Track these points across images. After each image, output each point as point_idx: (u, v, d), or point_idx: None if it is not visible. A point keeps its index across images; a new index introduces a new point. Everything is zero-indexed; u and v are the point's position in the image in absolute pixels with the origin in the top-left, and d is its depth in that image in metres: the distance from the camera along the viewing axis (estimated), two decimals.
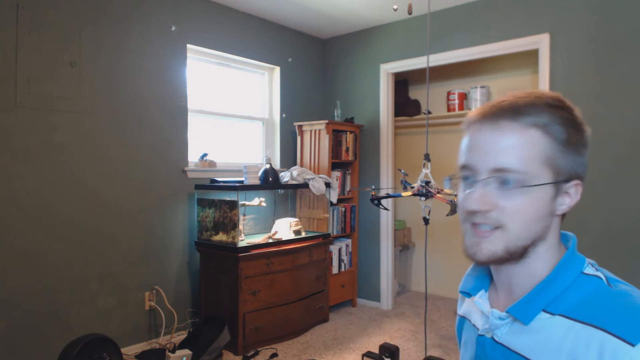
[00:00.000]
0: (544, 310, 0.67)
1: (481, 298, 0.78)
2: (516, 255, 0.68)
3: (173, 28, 3.40)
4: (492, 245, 0.68)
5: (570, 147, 0.68)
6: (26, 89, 2.68)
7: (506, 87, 4.33)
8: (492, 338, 0.74)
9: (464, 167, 0.71)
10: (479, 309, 0.79)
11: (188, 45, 3.51)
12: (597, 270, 0.70)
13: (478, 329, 0.78)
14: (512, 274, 0.72)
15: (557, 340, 0.64)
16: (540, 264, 0.70)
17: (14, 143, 2.66)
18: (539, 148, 0.66)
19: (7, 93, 2.62)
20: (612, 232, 3.03)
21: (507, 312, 0.70)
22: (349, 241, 4.35)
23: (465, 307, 0.88)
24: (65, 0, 2.84)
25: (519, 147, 0.66)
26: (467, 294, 0.82)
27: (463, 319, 0.89)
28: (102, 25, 3.02)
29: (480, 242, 0.69)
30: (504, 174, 0.66)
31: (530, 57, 3.75)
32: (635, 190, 2.96)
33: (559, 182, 0.68)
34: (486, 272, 0.82)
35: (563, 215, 0.72)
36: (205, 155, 3.66)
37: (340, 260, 4.24)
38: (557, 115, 0.67)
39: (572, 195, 0.70)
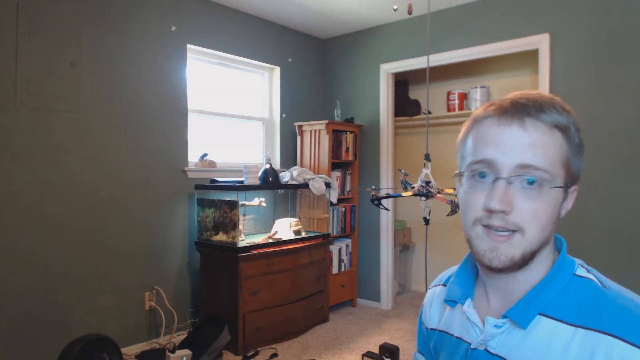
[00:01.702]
0: (542, 314, 0.66)
1: (469, 307, 0.75)
2: (527, 259, 0.67)
3: (173, 28, 3.40)
4: (510, 250, 0.65)
5: (579, 152, 0.69)
6: (26, 89, 2.68)
7: (506, 87, 4.33)
8: (487, 350, 0.70)
9: (481, 162, 0.67)
10: (465, 320, 0.75)
11: (188, 45, 3.51)
12: (588, 271, 0.70)
13: (468, 343, 0.74)
14: (512, 279, 0.69)
15: (561, 348, 0.62)
16: (540, 267, 0.69)
17: (14, 143, 2.66)
18: (561, 149, 0.66)
19: (7, 93, 2.62)
20: (612, 232, 3.03)
21: (504, 316, 0.68)
22: (349, 241, 4.35)
23: (445, 321, 0.83)
24: (65, 0, 2.84)
25: (545, 145, 0.64)
26: (454, 303, 0.78)
27: (441, 333, 0.83)
28: (102, 25, 3.02)
29: (498, 248, 0.65)
30: (530, 171, 0.63)
31: (530, 57, 3.75)
32: (635, 190, 2.96)
33: (569, 185, 0.68)
34: (471, 279, 0.79)
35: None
36: (205, 155, 3.66)
37: (340, 260, 4.24)
38: (572, 119, 0.68)
39: (569, 199, 0.70)
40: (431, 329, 0.87)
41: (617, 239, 3.02)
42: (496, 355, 0.69)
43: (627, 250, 2.98)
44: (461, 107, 4.45)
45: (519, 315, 0.66)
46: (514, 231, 0.64)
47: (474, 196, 0.67)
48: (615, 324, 0.60)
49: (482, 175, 0.67)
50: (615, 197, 3.03)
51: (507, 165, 0.64)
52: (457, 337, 0.78)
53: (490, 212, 0.65)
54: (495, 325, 0.69)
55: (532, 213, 0.64)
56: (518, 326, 0.67)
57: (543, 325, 0.65)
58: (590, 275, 0.68)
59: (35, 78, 2.72)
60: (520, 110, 0.65)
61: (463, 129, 0.74)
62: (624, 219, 2.99)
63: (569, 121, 0.67)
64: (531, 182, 0.64)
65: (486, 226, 0.66)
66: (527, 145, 0.64)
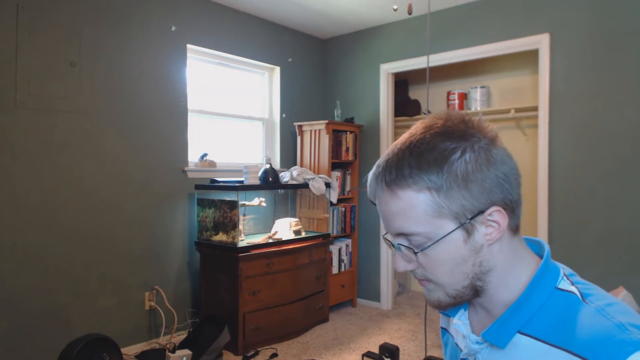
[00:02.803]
0: (520, 332, 0.65)
1: (460, 319, 0.76)
2: (464, 296, 0.68)
3: (173, 28, 3.40)
4: (434, 295, 0.69)
5: (466, 186, 0.62)
6: (26, 89, 2.68)
7: (506, 87, 4.33)
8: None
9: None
10: (459, 332, 0.77)
11: (188, 45, 3.51)
12: (572, 284, 0.67)
13: (461, 350, 0.76)
14: (484, 300, 0.70)
15: None
16: (505, 289, 0.68)
17: (14, 143, 2.66)
18: (430, 202, 0.63)
19: (7, 93, 2.62)
20: (612, 232, 3.03)
21: (481, 336, 0.68)
22: (349, 241, 4.35)
23: (445, 320, 0.87)
24: (65, 0, 2.84)
25: (402, 212, 0.64)
26: (447, 314, 0.81)
27: (446, 333, 0.87)
28: (102, 25, 3.02)
29: (427, 293, 0.71)
30: (406, 237, 0.66)
31: (530, 57, 3.75)
32: (635, 190, 2.96)
33: (465, 223, 0.64)
34: None
35: (517, 230, 0.69)
36: (205, 155, 3.66)
37: (340, 260, 4.24)
38: (429, 167, 0.62)
39: (496, 221, 0.64)
40: (441, 327, 0.90)
41: (616, 239, 3.01)
42: None
43: (627, 251, 2.97)
44: (461, 107, 4.45)
45: (495, 336, 0.67)
46: (429, 281, 0.69)
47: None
48: (587, 347, 0.58)
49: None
50: (615, 198, 3.02)
51: (391, 234, 0.69)
52: (455, 342, 0.81)
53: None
54: (476, 342, 0.71)
55: (431, 265, 0.67)
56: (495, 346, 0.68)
57: (522, 344, 0.65)
58: (572, 289, 0.66)
59: (35, 78, 2.72)
60: (377, 184, 0.67)
61: None
62: (623, 219, 2.99)
63: (421, 175, 0.63)
64: (415, 244, 0.66)
65: None
66: (392, 215, 0.66)
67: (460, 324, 0.75)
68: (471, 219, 0.64)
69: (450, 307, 0.70)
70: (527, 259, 0.69)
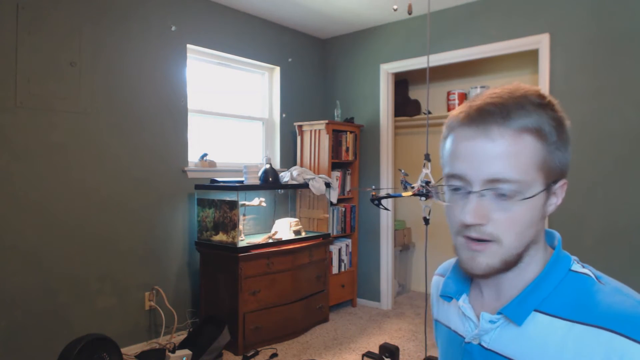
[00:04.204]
0: (536, 310, 0.66)
1: (464, 302, 0.75)
2: (512, 264, 0.67)
3: (173, 28, 3.40)
4: (489, 258, 0.66)
5: (560, 147, 0.65)
6: (26, 89, 2.68)
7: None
8: (480, 344, 0.71)
9: (453, 176, 0.67)
10: (460, 314, 0.76)
11: (188, 45, 3.51)
12: (583, 267, 0.69)
13: (463, 337, 0.75)
14: (503, 278, 0.70)
15: (556, 344, 0.62)
16: (532, 266, 0.69)
17: (14, 143, 2.66)
18: (533, 154, 0.63)
19: (7, 93, 2.62)
20: (612, 232, 3.03)
21: (499, 313, 0.68)
22: (349, 241, 4.35)
23: (443, 313, 0.84)
24: (65, 0, 2.84)
25: (514, 155, 0.62)
26: (449, 298, 0.79)
27: (439, 324, 0.85)
28: (102, 25, 3.02)
29: (476, 257, 0.66)
30: (500, 185, 0.63)
31: (530, 57, 3.75)
32: (635, 190, 2.96)
33: (550, 186, 0.65)
34: (467, 275, 0.78)
35: None
36: (205, 155, 3.66)
37: (340, 260, 4.24)
38: (546, 115, 0.64)
39: (559, 195, 0.68)
40: (435, 320, 0.89)
41: (616, 239, 3.01)
42: (490, 350, 0.70)
43: (627, 251, 2.97)
44: None
45: (515, 312, 0.67)
46: (490, 241, 0.65)
47: (452, 209, 0.68)
48: (614, 320, 0.59)
49: (457, 189, 0.67)
50: (615, 197, 3.02)
51: (477, 179, 0.64)
52: (453, 330, 0.79)
53: (465, 226, 0.66)
54: (490, 321, 0.69)
55: (507, 223, 0.64)
56: (513, 322, 0.67)
57: (538, 322, 0.65)
58: (586, 271, 0.68)
59: (35, 78, 2.72)
60: (486, 119, 0.64)
61: (443, 131, 0.73)
62: (623, 219, 2.99)
63: (541, 120, 0.63)
64: (504, 195, 0.63)
65: (466, 237, 0.67)
66: (495, 157, 0.63)
67: (466, 306, 0.74)
68: (554, 182, 0.66)
69: (495, 274, 0.67)
70: (545, 244, 0.71)
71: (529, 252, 0.68)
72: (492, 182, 0.63)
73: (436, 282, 0.90)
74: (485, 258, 0.66)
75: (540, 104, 0.64)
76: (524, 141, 0.63)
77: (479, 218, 0.64)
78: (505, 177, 0.62)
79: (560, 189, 0.67)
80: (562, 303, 0.65)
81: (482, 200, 0.64)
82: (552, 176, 0.65)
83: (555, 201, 0.67)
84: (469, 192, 0.65)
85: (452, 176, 0.67)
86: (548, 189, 0.65)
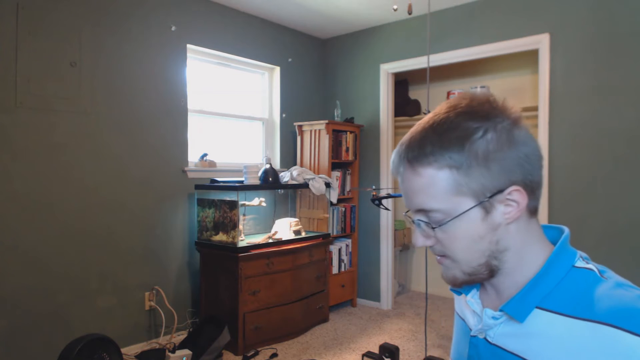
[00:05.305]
0: (539, 307, 0.66)
1: (473, 297, 0.77)
2: (479, 274, 0.70)
3: (173, 28, 3.40)
4: (450, 271, 0.71)
5: (490, 160, 0.64)
6: (26, 89, 2.68)
7: (506, 87, 4.33)
8: (486, 339, 0.72)
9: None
10: (471, 308, 0.78)
11: (188, 45, 3.51)
12: (588, 263, 0.69)
13: (471, 329, 0.77)
14: (496, 281, 0.72)
15: (558, 340, 0.63)
16: (523, 269, 0.69)
17: (14, 143, 2.66)
18: (451, 179, 0.65)
19: (7, 93, 2.62)
20: (612, 232, 3.03)
21: (500, 310, 0.69)
22: (349, 241, 4.35)
23: (459, 305, 0.87)
24: (65, 0, 2.84)
25: (430, 186, 0.66)
26: (458, 292, 0.81)
27: (456, 315, 0.88)
28: (102, 25, 3.02)
29: (443, 270, 0.72)
30: (425, 214, 0.68)
31: (530, 57, 3.75)
32: (635, 190, 2.96)
33: (484, 201, 0.65)
34: None
35: (536, 213, 0.70)
36: (205, 155, 3.66)
37: (340, 260, 4.24)
38: (445, 145, 0.64)
39: (516, 200, 0.66)
40: (456, 313, 0.91)
41: (616, 239, 3.01)
42: (494, 344, 0.71)
43: (627, 251, 2.97)
44: None
45: (515, 309, 0.67)
46: (446, 256, 0.71)
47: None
48: (614, 314, 0.59)
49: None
50: (615, 197, 3.02)
51: (412, 210, 0.71)
52: (464, 321, 0.81)
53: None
54: (492, 317, 0.71)
55: (449, 241, 0.68)
56: (515, 320, 0.68)
57: (540, 318, 0.66)
58: (590, 266, 0.68)
59: (35, 78, 2.72)
60: (400, 161, 0.70)
61: None
62: (623, 219, 2.99)
63: (452, 145, 0.64)
64: (434, 220, 0.68)
65: None
66: (415, 191, 0.68)
67: (473, 301, 0.77)
68: (490, 197, 0.65)
69: (464, 284, 0.72)
70: (542, 242, 0.71)
71: (503, 260, 0.69)
72: (418, 212, 0.70)
73: None
74: (448, 272, 0.72)
75: (438, 132, 0.65)
76: (436, 173, 0.66)
77: (424, 242, 0.71)
78: (426, 207, 0.68)
79: (516, 196, 0.65)
80: (563, 299, 0.65)
81: (421, 227, 0.71)
82: (482, 193, 0.65)
83: (511, 209, 0.66)
84: (412, 221, 0.72)
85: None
86: (483, 205, 0.65)
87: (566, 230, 0.73)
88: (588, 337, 0.60)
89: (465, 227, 0.66)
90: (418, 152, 0.66)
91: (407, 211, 0.74)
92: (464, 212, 0.65)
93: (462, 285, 0.73)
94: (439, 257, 0.72)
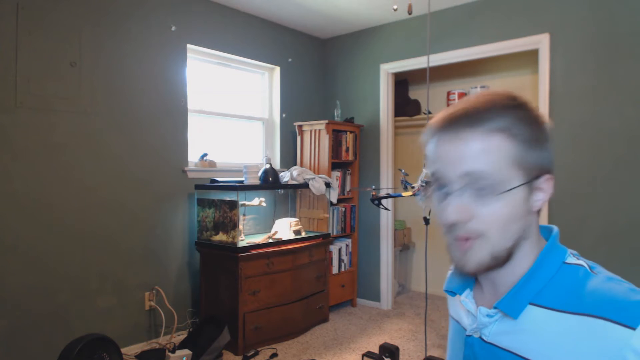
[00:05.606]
0: (532, 304, 0.67)
1: (467, 297, 0.77)
2: (502, 259, 0.68)
3: (173, 28, 3.40)
4: (477, 255, 0.68)
5: (535, 145, 0.67)
6: (26, 89, 2.68)
7: (506, 87, 4.33)
8: (481, 338, 0.73)
9: (433, 176, 0.70)
10: (465, 308, 0.78)
11: (188, 45, 3.51)
12: (578, 259, 0.70)
13: (466, 330, 0.77)
14: (496, 274, 0.72)
15: (553, 335, 0.64)
16: (524, 261, 0.70)
17: (14, 143, 2.66)
18: (505, 151, 0.65)
19: (7, 93, 2.62)
20: (612, 232, 3.03)
21: (495, 307, 0.69)
22: (349, 241, 4.35)
23: (452, 306, 0.87)
24: (65, 0, 2.84)
25: (486, 152, 0.65)
26: (452, 293, 0.81)
27: (450, 317, 0.88)
28: (102, 25, 3.02)
29: (466, 254, 0.68)
30: (476, 180, 0.65)
31: (530, 57, 3.75)
32: (635, 190, 2.96)
33: (531, 180, 0.67)
34: None
35: (539, 210, 0.72)
36: (205, 155, 3.66)
37: (340, 260, 4.24)
38: (518, 115, 0.67)
39: (545, 190, 0.69)
40: (450, 317, 0.91)
41: (616, 239, 3.01)
42: (489, 343, 0.71)
43: (627, 251, 2.97)
44: None
45: (509, 306, 0.68)
46: (477, 237, 0.67)
47: (438, 209, 0.71)
48: (605, 307, 0.60)
49: (439, 188, 0.70)
50: (615, 198, 3.02)
51: (454, 177, 0.67)
52: (458, 323, 0.82)
53: (451, 224, 0.68)
54: (487, 315, 0.71)
55: (489, 218, 0.66)
56: (509, 317, 0.68)
57: (534, 315, 0.67)
58: (580, 262, 0.69)
59: (35, 78, 2.72)
60: (456, 124, 0.67)
61: (422, 139, 0.76)
62: (623, 219, 2.99)
63: (510, 121, 0.66)
64: (480, 190, 0.65)
65: (454, 235, 0.69)
66: (468, 156, 0.66)
67: (467, 301, 0.76)
68: (536, 178, 0.67)
69: (487, 270, 0.69)
70: (539, 239, 0.72)
71: (520, 248, 0.69)
72: (468, 175, 0.66)
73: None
74: (474, 255, 0.68)
75: (509, 105, 0.67)
76: (495, 141, 0.65)
77: (461, 215, 0.66)
78: (479, 171, 0.65)
79: (546, 184, 0.69)
80: (555, 295, 0.66)
81: (462, 198, 0.66)
82: (531, 172, 0.67)
83: (542, 197, 0.69)
84: (448, 192, 0.68)
85: (432, 176, 0.70)
86: (529, 184, 0.67)
87: (555, 228, 0.75)
88: (580, 330, 0.61)
89: (510, 204, 0.66)
90: (486, 115, 0.66)
91: (425, 179, 0.72)
92: (514, 187, 0.65)
93: (482, 272, 0.69)
94: (464, 240, 0.67)
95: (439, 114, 0.72)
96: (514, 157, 0.65)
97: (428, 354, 3.08)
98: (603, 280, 0.65)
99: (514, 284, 0.69)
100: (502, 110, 0.66)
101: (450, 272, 0.84)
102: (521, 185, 0.66)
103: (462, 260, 0.69)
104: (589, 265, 0.69)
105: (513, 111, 0.66)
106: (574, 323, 0.62)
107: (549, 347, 0.64)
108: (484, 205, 0.65)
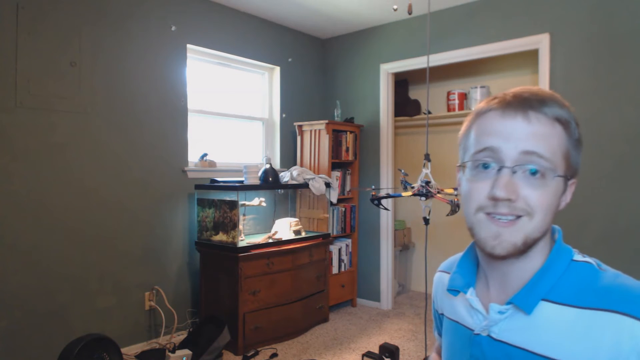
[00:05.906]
0: (544, 299, 0.68)
1: (472, 295, 0.77)
2: (528, 246, 0.68)
3: (173, 28, 3.40)
4: (513, 236, 0.66)
5: (578, 146, 0.71)
6: (26, 89, 2.68)
7: (506, 87, 4.28)
8: (489, 336, 0.72)
9: (484, 151, 0.68)
10: (468, 307, 0.77)
11: (188, 45, 3.51)
12: (584, 256, 0.72)
13: (471, 329, 0.76)
14: (510, 268, 0.72)
15: (567, 330, 0.64)
16: (537, 257, 0.71)
17: (14, 143, 2.66)
18: (562, 141, 0.68)
19: (7, 93, 2.62)
20: (612, 232, 3.03)
21: (510, 302, 0.69)
22: (349, 241, 4.35)
23: (449, 307, 0.86)
24: (65, 0, 2.84)
25: (547, 136, 0.67)
26: (456, 292, 0.80)
27: (444, 318, 0.86)
28: (102, 25, 3.02)
29: (501, 234, 0.67)
30: (533, 159, 0.65)
31: (530, 57, 3.75)
32: (635, 190, 2.96)
33: (568, 177, 0.70)
34: (472, 269, 0.81)
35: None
36: (205, 155, 3.66)
37: (340, 260, 4.24)
38: (572, 114, 0.70)
39: (569, 192, 0.72)
40: (440, 314, 0.91)
41: (616, 239, 3.01)
42: (499, 340, 0.71)
43: (628, 251, 2.97)
44: (461, 107, 4.45)
45: (524, 301, 0.68)
46: (520, 216, 0.66)
47: (477, 185, 0.69)
48: (620, 302, 0.62)
49: (486, 166, 0.69)
50: (615, 198, 3.02)
51: (511, 153, 0.66)
52: (460, 324, 0.80)
53: (495, 200, 0.66)
54: (499, 312, 0.71)
55: (537, 201, 0.66)
56: (522, 312, 0.69)
57: (546, 310, 0.67)
58: (588, 259, 0.71)
59: (35, 78, 2.72)
60: (523, 103, 0.67)
61: (465, 123, 0.76)
62: (623, 219, 2.99)
63: (569, 116, 0.69)
64: (534, 172, 0.66)
65: (489, 214, 0.67)
66: (530, 134, 0.66)
67: (474, 299, 0.76)
68: (571, 177, 0.71)
69: (515, 256, 0.69)
70: (550, 236, 0.74)
71: (541, 241, 0.70)
72: (527, 154, 0.66)
73: (440, 278, 0.93)
74: (510, 235, 0.67)
75: (565, 104, 0.71)
76: (556, 128, 0.68)
77: (511, 192, 0.65)
78: (538, 152, 0.66)
79: (572, 187, 0.72)
80: (568, 291, 0.67)
81: (514, 176, 0.66)
82: (569, 170, 0.70)
83: (568, 198, 0.71)
84: (501, 168, 0.67)
85: (482, 151, 0.69)
86: (566, 181, 0.70)
87: (558, 228, 0.76)
88: (594, 325, 0.62)
89: (552, 193, 0.68)
90: (553, 104, 0.68)
91: (461, 164, 0.72)
92: (560, 176, 0.68)
93: (513, 256, 0.68)
94: (507, 219, 0.66)
95: (493, 97, 0.72)
96: (566, 151, 0.68)
97: (428, 354, 3.08)
98: (613, 276, 0.66)
99: (526, 280, 0.70)
100: (563, 105, 0.69)
101: (452, 272, 0.83)
102: (564, 176, 0.68)
103: (493, 241, 0.67)
104: (596, 262, 0.70)
105: (569, 110, 0.70)
106: (588, 318, 0.63)
107: (562, 342, 0.64)
108: (533, 187, 0.66)
